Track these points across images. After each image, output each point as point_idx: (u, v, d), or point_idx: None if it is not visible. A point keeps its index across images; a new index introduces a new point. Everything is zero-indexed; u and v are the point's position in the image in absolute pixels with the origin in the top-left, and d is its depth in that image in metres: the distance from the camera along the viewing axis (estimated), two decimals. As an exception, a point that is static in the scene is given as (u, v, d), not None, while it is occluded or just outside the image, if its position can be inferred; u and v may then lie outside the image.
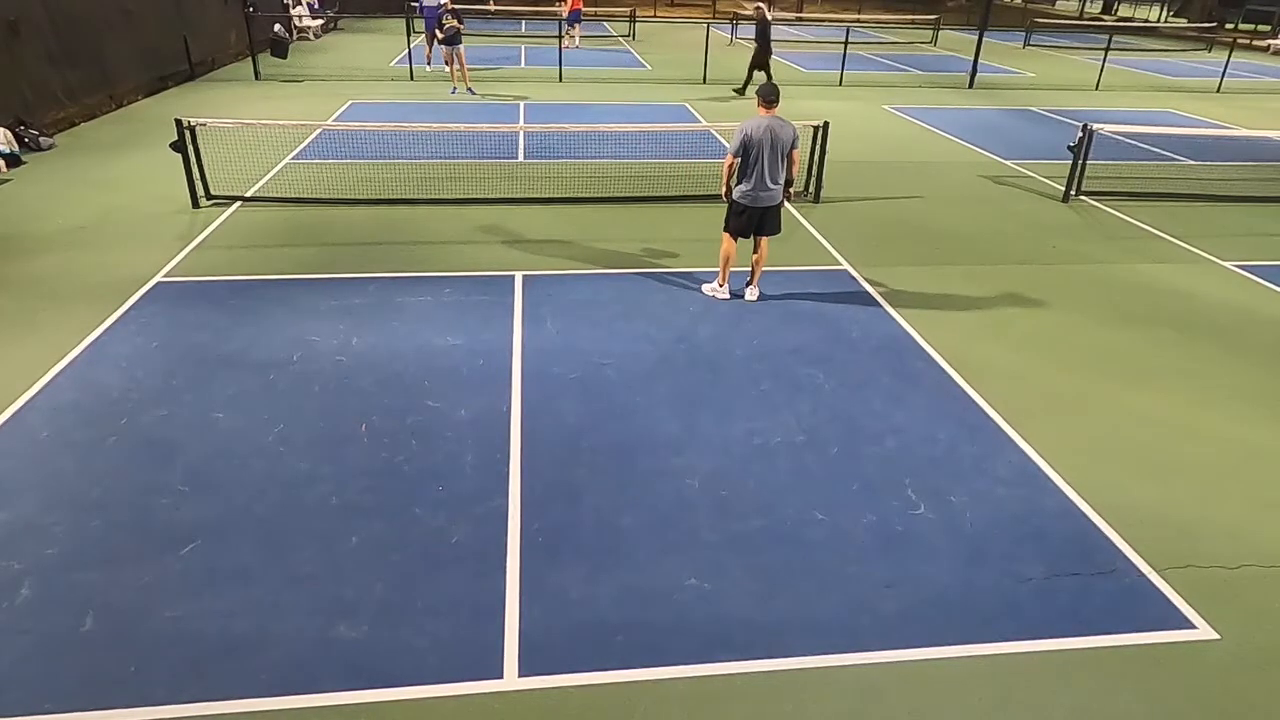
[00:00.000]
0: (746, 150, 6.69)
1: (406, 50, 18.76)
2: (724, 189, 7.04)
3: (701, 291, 7.40)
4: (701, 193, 10.08)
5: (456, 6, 15.85)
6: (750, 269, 7.36)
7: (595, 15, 30.79)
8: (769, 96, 6.76)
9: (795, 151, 6.92)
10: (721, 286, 7.35)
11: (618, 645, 3.79)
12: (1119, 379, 6.28)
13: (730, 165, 6.84)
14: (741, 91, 16.96)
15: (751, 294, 7.36)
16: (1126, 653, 3.84)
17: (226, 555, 4.25)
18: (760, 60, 16.15)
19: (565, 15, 22.38)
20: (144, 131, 12.50)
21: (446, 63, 16.22)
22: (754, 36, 16.37)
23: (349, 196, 9.82)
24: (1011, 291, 7.78)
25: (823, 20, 35.51)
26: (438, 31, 15.95)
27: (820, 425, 5.53)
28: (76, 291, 7.15)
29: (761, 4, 16.68)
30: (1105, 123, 11.35)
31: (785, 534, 4.52)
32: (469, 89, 16.21)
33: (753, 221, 6.99)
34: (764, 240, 7.19)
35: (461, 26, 15.82)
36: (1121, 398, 6.02)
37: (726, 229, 7.15)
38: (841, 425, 5.54)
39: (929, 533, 4.56)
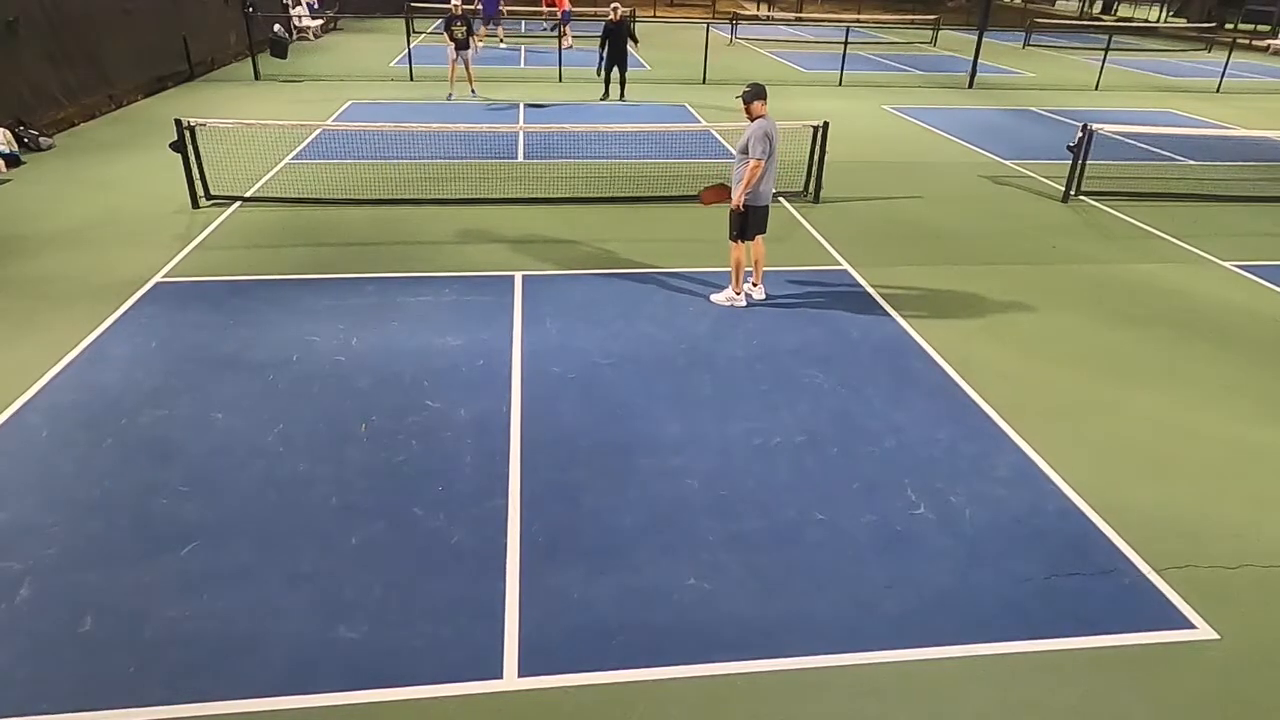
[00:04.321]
0: (771, 152, 6.73)
1: (406, 50, 18.76)
2: (740, 199, 6.85)
3: (712, 302, 7.21)
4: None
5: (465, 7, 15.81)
6: (751, 269, 7.34)
7: (595, 15, 30.77)
8: (764, 95, 6.83)
9: None
10: (739, 294, 7.21)
11: (617, 645, 3.79)
12: (1118, 379, 6.28)
13: (758, 170, 6.73)
14: (621, 95, 16.13)
15: (759, 292, 7.37)
16: (1126, 653, 3.84)
17: (226, 555, 4.25)
18: (616, 61, 15.73)
19: (558, 15, 22.33)
20: (143, 132, 12.50)
21: (451, 64, 16.00)
22: (614, 41, 15.56)
23: (348, 196, 9.82)
24: (1011, 291, 7.77)
25: (822, 20, 35.51)
26: (453, 29, 15.56)
27: (820, 425, 5.53)
28: (76, 291, 7.15)
29: (618, 2, 15.95)
30: (1105, 123, 11.36)
31: (785, 534, 4.52)
32: (472, 90, 16.07)
33: (757, 222, 7.05)
34: (759, 237, 7.21)
35: (474, 38, 15.82)
36: (1121, 398, 6.02)
37: (739, 238, 7.05)
38: (841, 425, 5.54)
39: (929, 533, 4.56)
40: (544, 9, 28.23)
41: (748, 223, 7.01)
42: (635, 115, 14.93)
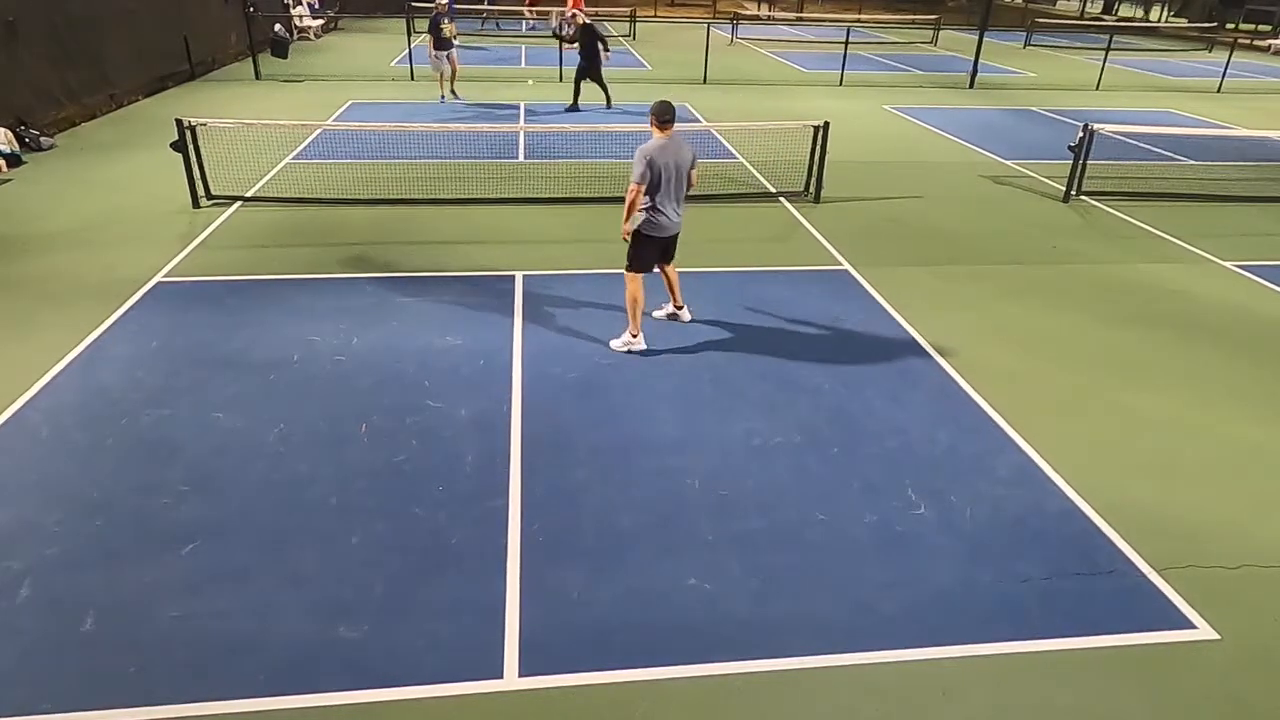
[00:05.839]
0: (653, 178, 5.92)
1: (407, 50, 18.76)
2: (625, 226, 6.10)
3: (611, 349, 6.38)
4: (702, 193, 10.05)
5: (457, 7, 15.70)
6: (671, 293, 6.77)
7: (596, 15, 30.81)
8: (664, 115, 5.92)
9: (693, 171, 6.20)
10: (636, 337, 6.36)
11: (618, 645, 3.79)
12: (1119, 379, 6.28)
13: (635, 196, 5.94)
14: (574, 107, 15.18)
15: (685, 314, 6.83)
16: (1127, 653, 3.84)
17: (226, 555, 4.25)
18: (589, 72, 14.89)
19: (567, 15, 22.26)
20: (144, 131, 12.51)
21: (439, 66, 15.61)
22: (578, 47, 14.82)
23: (349, 196, 9.82)
24: (1012, 291, 7.77)
25: (823, 20, 35.51)
26: (444, 28, 15.18)
27: (820, 425, 5.52)
28: (76, 291, 7.15)
29: (579, 10, 15.23)
30: (1106, 123, 11.34)
31: (785, 534, 4.52)
32: (453, 91, 15.68)
33: (658, 253, 6.34)
34: (668, 265, 6.56)
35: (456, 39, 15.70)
36: (1122, 398, 6.01)
37: (633, 269, 6.23)
38: (841, 425, 5.53)
39: (929, 533, 4.56)
40: (528, 8, 28.24)
41: (651, 254, 6.26)
42: (636, 115, 14.92)
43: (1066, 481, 5.02)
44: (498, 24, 28.27)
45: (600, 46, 14.83)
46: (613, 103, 15.43)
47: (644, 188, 5.95)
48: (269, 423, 5.35)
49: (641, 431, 5.40)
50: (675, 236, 6.35)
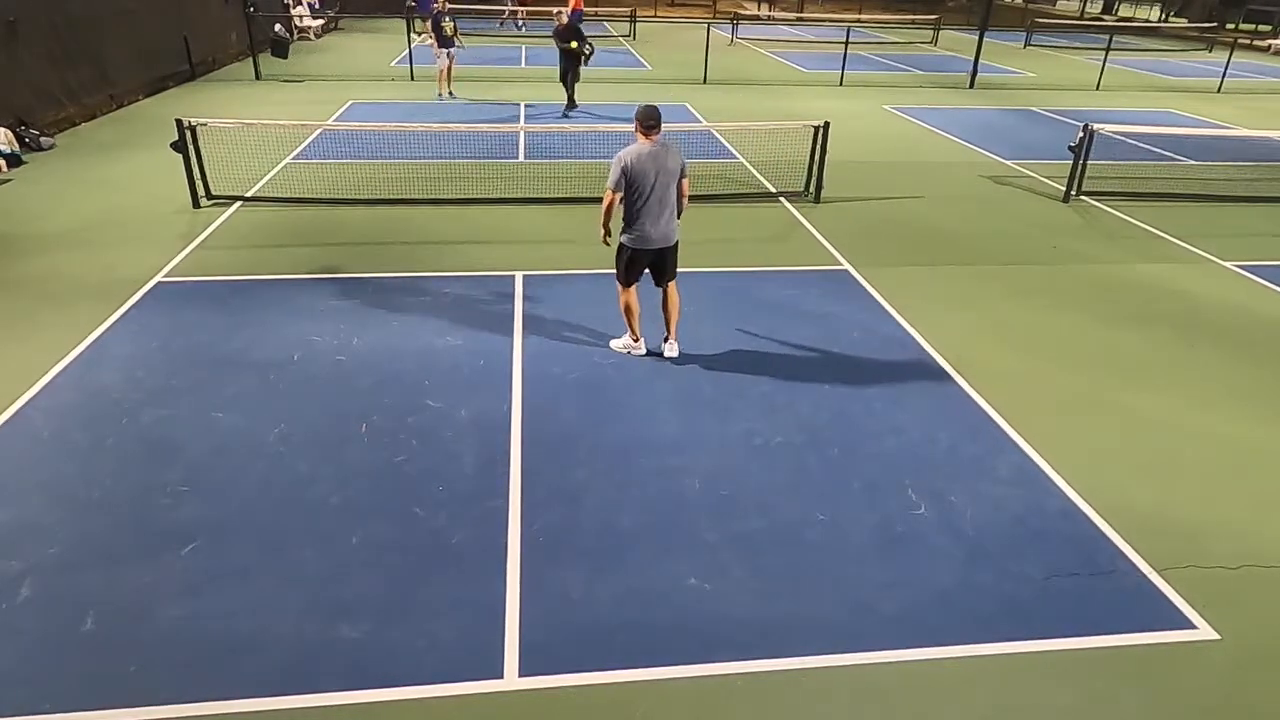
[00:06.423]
0: (630, 185, 5.70)
1: (407, 50, 18.76)
2: (601, 229, 5.99)
3: (611, 348, 6.37)
4: (702, 193, 10.06)
5: (453, 7, 15.76)
6: (664, 320, 6.28)
7: (596, 15, 30.83)
8: (648, 121, 5.70)
9: (684, 181, 5.92)
10: (637, 341, 6.28)
11: (618, 645, 3.79)
12: (1119, 379, 6.27)
13: (610, 202, 5.75)
14: (572, 106, 15.03)
15: (671, 350, 6.27)
16: (1127, 653, 3.83)
17: (227, 555, 4.25)
18: (568, 71, 14.66)
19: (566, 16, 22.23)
20: (144, 131, 12.51)
21: (442, 64, 15.81)
22: (564, 45, 14.47)
23: (349, 196, 9.82)
24: (1012, 291, 7.77)
25: (823, 20, 35.51)
26: (444, 26, 15.39)
27: (820, 425, 5.52)
28: (76, 291, 7.15)
29: (563, 9, 15.13)
30: (1106, 123, 11.34)
31: (786, 534, 4.52)
32: (450, 92, 15.90)
33: (644, 266, 6.04)
34: (671, 286, 6.14)
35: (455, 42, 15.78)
36: (1122, 398, 6.01)
37: (620, 281, 6.10)
38: (842, 425, 5.53)
39: (929, 533, 4.56)
40: (516, 7, 28.21)
41: (633, 267, 6.01)
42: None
43: (1066, 482, 5.02)
44: (500, 24, 28.30)
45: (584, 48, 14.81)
46: (572, 108, 15.05)
47: (619, 194, 5.76)
48: (269, 423, 5.35)
49: (641, 431, 5.40)
50: (668, 251, 5.98)
